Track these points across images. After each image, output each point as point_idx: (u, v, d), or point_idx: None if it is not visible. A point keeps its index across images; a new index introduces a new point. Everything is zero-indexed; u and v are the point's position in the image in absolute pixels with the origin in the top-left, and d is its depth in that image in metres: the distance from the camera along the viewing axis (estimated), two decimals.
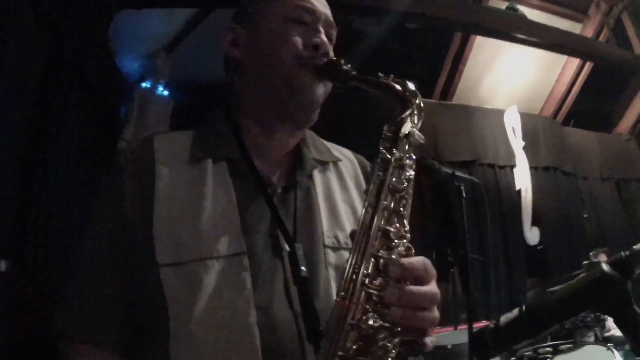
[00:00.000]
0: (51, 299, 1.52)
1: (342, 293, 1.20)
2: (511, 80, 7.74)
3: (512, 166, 7.46)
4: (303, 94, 1.52)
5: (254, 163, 1.53)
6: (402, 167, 1.31)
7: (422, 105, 1.41)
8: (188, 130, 1.62)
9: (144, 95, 5.40)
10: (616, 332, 4.80)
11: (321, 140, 1.73)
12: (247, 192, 1.49)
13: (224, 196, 1.46)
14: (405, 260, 1.22)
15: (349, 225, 1.56)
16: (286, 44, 1.53)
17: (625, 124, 8.76)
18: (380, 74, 1.46)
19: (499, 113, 7.58)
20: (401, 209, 1.28)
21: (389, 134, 1.36)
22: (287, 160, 1.62)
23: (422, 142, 1.37)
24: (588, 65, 7.74)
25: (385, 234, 1.24)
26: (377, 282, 1.21)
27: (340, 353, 1.16)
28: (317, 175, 1.62)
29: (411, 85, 1.43)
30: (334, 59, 1.54)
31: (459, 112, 7.46)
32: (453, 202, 4.13)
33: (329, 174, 1.66)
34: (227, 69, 1.67)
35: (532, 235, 7.23)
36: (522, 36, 6.67)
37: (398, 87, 1.42)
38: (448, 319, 4.57)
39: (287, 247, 1.44)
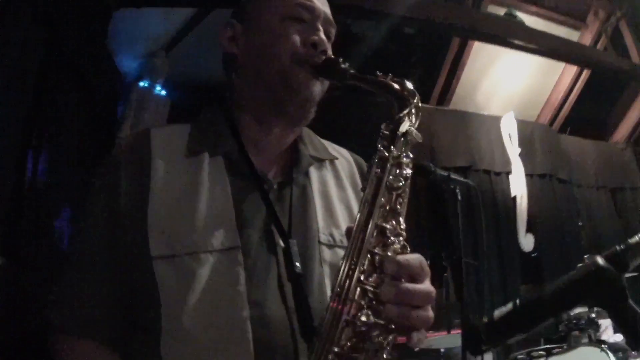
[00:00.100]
0: (46, 295, 1.52)
1: (338, 289, 1.20)
2: (508, 86, 7.74)
3: (508, 173, 7.45)
4: (299, 91, 1.53)
5: (251, 159, 1.54)
6: (399, 165, 1.32)
7: (420, 104, 1.42)
8: (185, 124, 1.63)
9: (141, 94, 5.39)
10: (611, 337, 4.81)
11: (318, 138, 1.74)
12: (243, 187, 1.50)
13: (220, 191, 1.47)
14: (401, 258, 1.23)
15: (344, 223, 1.57)
16: (284, 42, 1.54)
17: (622, 132, 8.76)
18: (379, 73, 1.48)
19: (496, 119, 7.58)
20: (398, 206, 1.29)
21: (387, 132, 1.37)
22: (284, 157, 1.63)
23: (420, 140, 1.38)
24: (585, 74, 7.74)
25: (382, 231, 1.25)
26: (372, 279, 1.21)
27: (335, 349, 1.16)
28: (313, 172, 1.63)
29: (409, 85, 1.44)
30: (332, 57, 1.56)
31: (455, 117, 7.45)
32: (448, 205, 4.12)
33: (326, 172, 1.67)
34: (225, 65, 1.68)
35: (527, 241, 7.22)
36: (520, 42, 6.68)
37: (396, 86, 1.44)
38: (441, 323, 4.57)
39: (281, 243, 1.46)
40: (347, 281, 1.20)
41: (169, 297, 1.36)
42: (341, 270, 1.23)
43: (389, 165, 1.31)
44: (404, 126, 1.36)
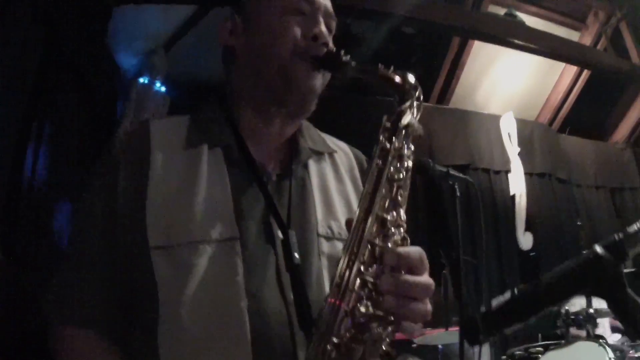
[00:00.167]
0: (45, 290, 1.52)
1: (338, 279, 1.20)
2: (508, 86, 7.75)
3: (507, 171, 7.47)
4: (300, 84, 1.53)
5: (250, 151, 1.54)
6: (400, 158, 1.33)
7: (422, 97, 1.42)
8: (184, 116, 1.63)
9: (141, 91, 5.39)
10: (609, 337, 4.81)
11: (317, 131, 1.74)
12: (241, 179, 1.50)
13: (218, 182, 1.47)
14: (401, 250, 1.23)
15: (342, 216, 1.57)
16: (285, 34, 1.54)
17: (621, 133, 8.77)
18: (381, 66, 1.48)
19: (495, 119, 7.60)
20: (399, 198, 1.30)
21: (388, 125, 1.37)
22: (283, 150, 1.63)
23: (421, 133, 1.38)
24: (585, 74, 7.75)
25: (382, 223, 1.25)
26: (372, 270, 1.22)
27: (333, 340, 1.17)
28: (312, 165, 1.63)
29: (411, 77, 1.44)
30: (334, 49, 1.55)
31: (455, 116, 7.48)
32: (446, 202, 4.13)
33: (324, 165, 1.66)
34: (224, 59, 1.68)
35: (525, 240, 7.23)
36: (520, 42, 6.68)
37: (398, 78, 1.44)
38: (439, 320, 4.58)
39: (280, 235, 1.45)
40: (347, 272, 1.20)
41: (166, 288, 1.36)
42: (341, 261, 1.23)
43: (390, 157, 1.31)
44: (406, 118, 1.36)
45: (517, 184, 7.40)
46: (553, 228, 7.57)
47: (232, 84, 1.64)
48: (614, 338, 4.96)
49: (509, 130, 7.49)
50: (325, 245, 1.51)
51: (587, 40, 7.65)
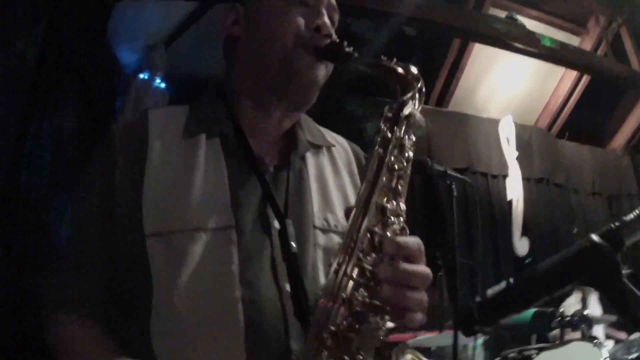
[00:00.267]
0: (37, 276, 1.53)
1: (336, 267, 1.20)
2: (507, 90, 7.76)
3: (505, 176, 7.47)
4: (303, 74, 1.53)
5: (248, 141, 1.53)
6: (402, 147, 1.32)
7: (424, 89, 1.42)
8: (184, 106, 1.63)
9: (140, 87, 5.39)
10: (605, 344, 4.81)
11: (316, 125, 1.74)
12: (239, 169, 1.49)
13: (215, 171, 1.46)
14: (400, 239, 1.22)
15: (339, 209, 1.56)
16: (288, 24, 1.53)
17: (620, 139, 8.78)
18: (383, 57, 1.47)
19: (494, 122, 7.60)
20: (399, 187, 1.29)
21: (390, 115, 1.37)
22: (281, 142, 1.62)
23: (423, 124, 1.38)
24: (585, 79, 7.76)
25: (382, 211, 1.25)
26: (370, 258, 1.21)
27: (330, 327, 1.16)
28: (310, 158, 1.62)
29: (414, 69, 1.44)
30: (336, 40, 1.55)
31: (454, 119, 7.48)
32: (443, 202, 4.12)
33: (322, 158, 1.66)
34: (225, 49, 1.68)
35: (522, 246, 7.23)
36: (520, 45, 6.69)
37: (400, 70, 1.43)
38: (434, 323, 4.56)
39: (276, 225, 1.45)
40: (345, 259, 1.20)
41: (160, 275, 1.36)
42: (339, 248, 1.22)
43: (391, 146, 1.30)
44: (407, 109, 1.36)
45: (515, 189, 7.40)
46: (549, 234, 7.58)
47: (233, 74, 1.64)
48: (609, 345, 4.97)
49: (507, 134, 7.49)
50: (321, 238, 1.50)
51: (588, 45, 7.67)
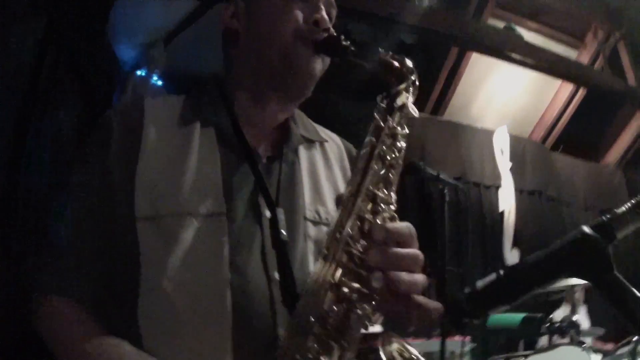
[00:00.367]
0: (26, 258, 1.53)
1: (325, 251, 1.20)
2: (503, 101, 7.77)
3: (498, 187, 7.48)
4: (301, 67, 1.54)
5: (242, 131, 1.54)
6: (394, 137, 1.33)
7: (417, 82, 1.44)
8: (180, 95, 1.64)
9: (137, 83, 5.39)
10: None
11: (310, 120, 1.75)
12: (232, 158, 1.50)
13: (209, 159, 1.47)
14: (389, 224, 1.23)
15: (330, 202, 1.58)
16: (287, 18, 1.55)
17: (613, 155, 8.80)
18: (381, 50, 1.49)
19: (489, 133, 7.62)
20: (390, 176, 1.30)
21: (384, 104, 1.38)
22: (275, 134, 1.64)
23: (416, 115, 1.39)
24: (581, 93, 7.78)
25: (373, 198, 1.25)
26: (360, 244, 1.21)
27: (318, 312, 1.16)
28: (302, 151, 1.64)
29: (409, 62, 1.46)
30: (334, 34, 1.56)
31: (449, 128, 7.48)
32: (435, 208, 4.13)
33: (315, 152, 1.68)
34: (224, 41, 1.69)
35: (512, 257, 7.24)
36: (517, 56, 6.71)
37: (396, 63, 1.45)
38: (421, 331, 4.56)
39: (267, 214, 1.45)
40: (335, 245, 1.20)
41: (149, 259, 1.36)
42: (329, 234, 1.22)
43: (383, 134, 1.32)
44: (401, 99, 1.38)
45: (507, 200, 7.41)
46: (540, 246, 7.54)
47: (231, 66, 1.66)
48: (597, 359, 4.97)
49: (501, 145, 7.51)
50: (311, 229, 1.51)
51: (585, 59, 7.69)
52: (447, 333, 4.16)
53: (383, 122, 1.33)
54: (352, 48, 1.50)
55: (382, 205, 1.25)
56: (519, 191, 7.60)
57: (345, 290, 1.17)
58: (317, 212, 1.55)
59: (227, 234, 1.38)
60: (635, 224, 1.11)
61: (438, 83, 7.38)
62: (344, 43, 1.50)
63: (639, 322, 1.04)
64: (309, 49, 1.53)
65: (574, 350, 3.77)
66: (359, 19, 5.91)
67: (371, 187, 1.25)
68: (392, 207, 1.28)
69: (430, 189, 3.84)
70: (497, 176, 7.50)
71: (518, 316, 4.31)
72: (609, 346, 5.31)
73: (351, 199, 1.24)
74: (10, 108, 3.38)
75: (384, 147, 1.30)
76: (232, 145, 1.52)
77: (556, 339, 4.26)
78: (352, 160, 1.72)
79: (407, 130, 1.36)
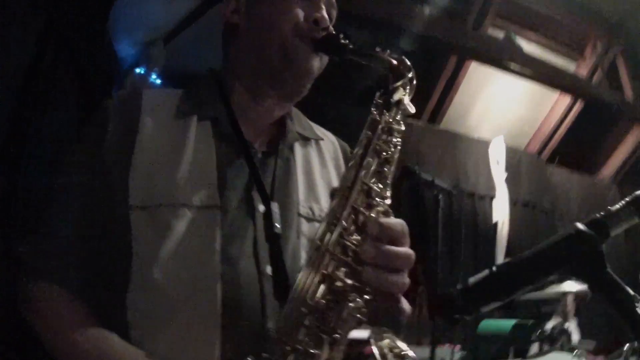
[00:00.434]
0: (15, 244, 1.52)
1: (317, 243, 1.20)
2: (500, 112, 7.78)
3: (492, 197, 7.49)
4: (299, 64, 1.54)
5: (239, 126, 1.55)
6: (390, 131, 1.33)
7: (414, 80, 1.44)
8: (178, 89, 1.64)
9: (136, 81, 5.39)
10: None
11: (306, 118, 1.75)
12: (227, 151, 1.50)
13: (204, 152, 1.47)
14: (384, 220, 1.23)
15: (324, 199, 1.57)
16: (287, 14, 1.55)
17: (609, 169, 8.82)
18: (378, 49, 1.49)
19: (484, 144, 7.63)
20: (385, 170, 1.30)
21: (381, 100, 1.39)
22: (271, 130, 1.64)
23: (413, 112, 1.39)
24: (578, 106, 7.80)
25: (368, 191, 1.25)
26: (353, 238, 1.21)
27: (309, 302, 1.16)
28: (298, 148, 1.64)
29: (407, 61, 1.46)
30: (333, 32, 1.57)
31: (445, 137, 7.51)
32: (428, 214, 4.12)
33: (310, 150, 1.68)
34: (224, 36, 1.69)
35: None
36: (516, 67, 6.73)
37: (394, 61, 1.45)
38: (410, 339, 4.55)
39: (260, 209, 1.45)
40: (328, 236, 1.20)
41: (141, 248, 1.36)
42: (322, 225, 1.22)
43: (380, 128, 1.32)
44: (398, 95, 1.38)
45: (501, 211, 7.42)
46: None
47: (230, 61, 1.66)
48: None
49: (497, 155, 7.52)
50: (304, 226, 1.51)
51: (583, 72, 7.72)
52: (437, 341, 4.16)
53: (379, 117, 1.34)
54: (351, 47, 1.50)
55: (376, 199, 1.25)
56: (514, 202, 7.61)
57: (338, 281, 1.17)
58: (311, 209, 1.55)
59: (220, 226, 1.38)
60: (629, 222, 1.11)
61: (436, 91, 7.39)
62: (342, 42, 1.51)
63: (635, 320, 1.03)
64: (308, 46, 1.53)
65: (566, 357, 3.76)
66: (358, 25, 5.93)
67: (366, 181, 1.25)
68: (387, 202, 1.28)
69: (425, 194, 3.84)
70: (491, 187, 7.52)
71: (509, 322, 4.31)
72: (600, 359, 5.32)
73: (346, 190, 1.24)
74: (9, 107, 3.38)
75: (380, 141, 1.31)
76: (228, 139, 1.52)
77: (547, 347, 4.25)
78: (347, 159, 1.72)
79: (403, 127, 1.37)
